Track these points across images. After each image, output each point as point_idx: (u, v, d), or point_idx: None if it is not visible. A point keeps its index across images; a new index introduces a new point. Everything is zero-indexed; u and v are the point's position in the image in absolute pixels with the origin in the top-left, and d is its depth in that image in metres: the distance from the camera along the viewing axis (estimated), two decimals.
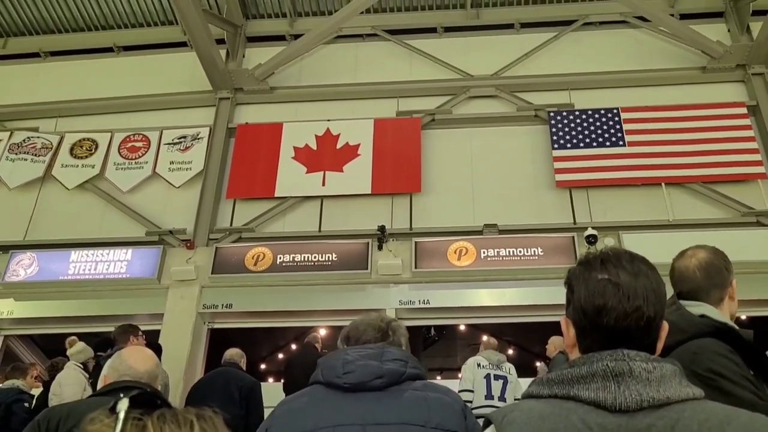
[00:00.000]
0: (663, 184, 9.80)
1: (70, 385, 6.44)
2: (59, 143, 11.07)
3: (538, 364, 8.75)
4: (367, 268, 9.41)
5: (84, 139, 11.11)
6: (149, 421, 1.00)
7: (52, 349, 10.42)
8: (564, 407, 1.23)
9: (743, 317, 9.55)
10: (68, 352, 6.92)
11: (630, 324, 1.31)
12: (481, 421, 1.51)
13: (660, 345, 1.38)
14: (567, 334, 1.41)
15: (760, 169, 9.72)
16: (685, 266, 2.36)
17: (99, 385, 2.97)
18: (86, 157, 10.92)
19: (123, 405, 0.99)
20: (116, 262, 9.80)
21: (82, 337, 9.52)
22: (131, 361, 2.85)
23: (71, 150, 10.99)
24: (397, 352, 2.26)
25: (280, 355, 13.26)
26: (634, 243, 9.21)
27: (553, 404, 1.26)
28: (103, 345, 6.67)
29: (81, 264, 9.83)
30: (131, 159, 10.82)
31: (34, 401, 7.03)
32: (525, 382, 7.65)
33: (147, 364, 2.87)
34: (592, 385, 1.23)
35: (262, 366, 13.58)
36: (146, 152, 10.86)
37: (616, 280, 1.33)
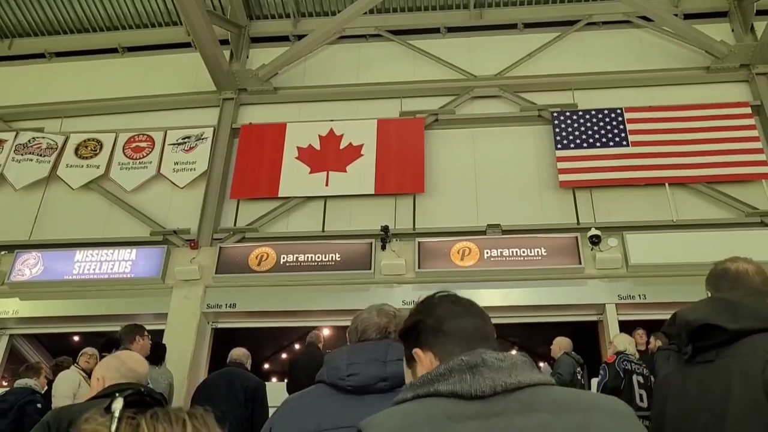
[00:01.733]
0: (667, 184, 9.78)
1: (62, 383, 6.48)
2: (64, 143, 11.11)
3: (541, 364, 8.74)
4: (370, 269, 9.43)
5: (89, 140, 11.15)
6: (142, 420, 1.02)
7: (57, 348, 10.47)
8: (426, 403, 1.31)
9: None
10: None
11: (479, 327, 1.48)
12: None
13: None
14: (422, 364, 1.50)
15: (764, 169, 9.70)
16: (745, 269, 2.38)
17: (93, 387, 2.94)
18: (91, 157, 10.96)
19: (118, 404, 1.01)
20: (121, 262, 9.82)
21: (86, 336, 9.63)
22: (132, 364, 2.86)
23: (76, 150, 11.03)
24: (401, 350, 2.25)
25: (284, 355, 13.28)
26: (637, 243, 9.21)
27: (416, 403, 1.33)
28: (109, 345, 6.70)
29: (86, 264, 9.86)
30: (135, 159, 10.86)
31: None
32: None
33: (145, 367, 2.90)
34: (450, 379, 1.31)
35: (266, 365, 13.59)
36: (150, 152, 10.90)
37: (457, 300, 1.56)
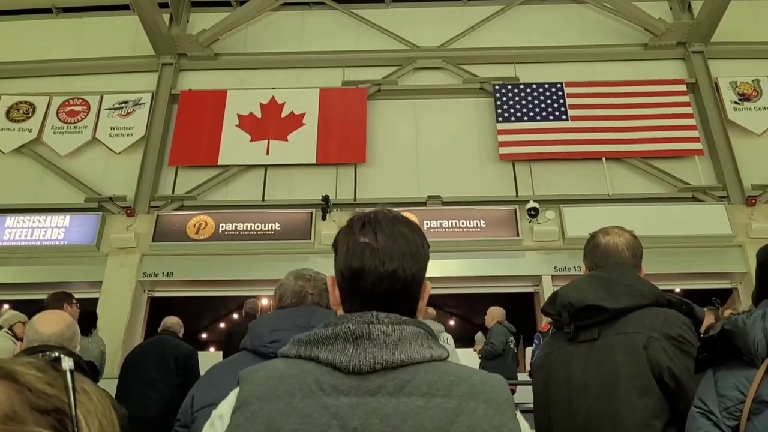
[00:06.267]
0: (603, 158, 9.97)
1: None
2: None
3: (478, 334, 8.89)
4: (310, 238, 9.43)
5: (21, 102, 10.78)
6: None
7: None
8: (303, 368, 1.24)
9: (677, 290, 9.86)
10: None
11: (387, 287, 1.31)
12: None
13: (422, 305, 1.40)
14: (333, 293, 1.42)
15: (697, 146, 9.97)
16: (614, 243, 2.44)
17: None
18: (23, 120, 10.61)
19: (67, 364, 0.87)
20: (53, 229, 9.59)
21: (17, 304, 9.37)
22: (38, 325, 2.82)
23: (7, 113, 10.66)
24: (325, 315, 2.24)
25: (221, 324, 13.22)
26: (574, 216, 9.39)
27: (294, 364, 1.26)
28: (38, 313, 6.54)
29: (17, 230, 9.60)
30: (70, 123, 10.55)
31: None
32: (463, 353, 7.79)
33: (54, 326, 2.83)
34: (333, 347, 1.24)
35: (203, 335, 13.52)
36: (86, 117, 10.60)
37: (373, 243, 1.34)
